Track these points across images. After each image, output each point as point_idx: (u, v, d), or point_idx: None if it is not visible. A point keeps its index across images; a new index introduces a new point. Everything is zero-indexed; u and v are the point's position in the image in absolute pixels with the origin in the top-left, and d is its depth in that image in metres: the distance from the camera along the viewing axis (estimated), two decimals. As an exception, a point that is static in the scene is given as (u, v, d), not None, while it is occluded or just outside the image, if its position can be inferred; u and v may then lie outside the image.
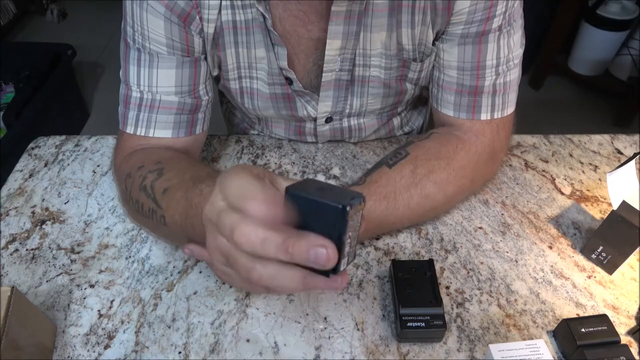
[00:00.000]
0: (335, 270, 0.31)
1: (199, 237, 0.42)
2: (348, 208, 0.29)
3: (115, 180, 0.59)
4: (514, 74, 0.60)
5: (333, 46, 0.57)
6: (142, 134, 0.58)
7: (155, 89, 0.57)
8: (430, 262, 0.53)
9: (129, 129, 0.58)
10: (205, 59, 0.60)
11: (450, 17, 0.56)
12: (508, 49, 0.57)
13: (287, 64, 0.59)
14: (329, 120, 0.69)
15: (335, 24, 0.54)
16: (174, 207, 0.46)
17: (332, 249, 0.29)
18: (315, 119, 0.68)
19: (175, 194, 0.46)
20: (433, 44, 0.59)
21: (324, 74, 0.60)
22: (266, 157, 0.73)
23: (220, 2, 0.55)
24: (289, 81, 0.62)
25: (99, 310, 0.54)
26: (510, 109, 0.61)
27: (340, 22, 0.54)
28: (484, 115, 0.60)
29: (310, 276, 0.32)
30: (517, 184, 0.69)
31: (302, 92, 0.64)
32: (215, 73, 0.63)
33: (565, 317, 0.51)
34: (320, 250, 0.29)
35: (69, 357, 0.50)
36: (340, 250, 0.30)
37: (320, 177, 0.69)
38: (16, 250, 0.60)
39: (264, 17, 0.55)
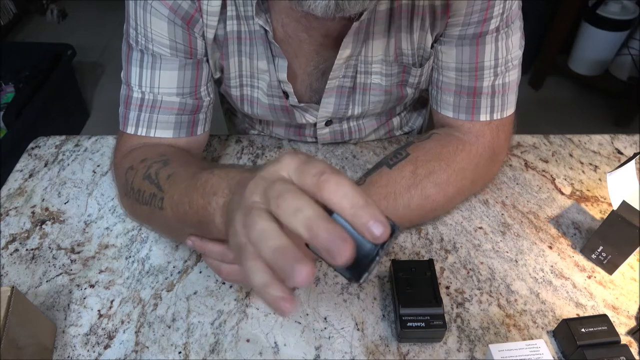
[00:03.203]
0: (358, 278, 0.30)
1: (190, 215, 0.42)
2: (397, 229, 0.29)
3: (115, 176, 0.59)
4: (513, 75, 0.60)
5: (343, 55, 0.57)
6: (143, 134, 0.58)
7: (157, 89, 0.57)
8: (430, 262, 0.53)
9: (130, 130, 0.58)
10: (208, 61, 0.60)
11: (448, 19, 0.56)
12: (506, 50, 0.57)
13: (286, 76, 0.59)
14: (328, 123, 0.69)
15: (348, 35, 0.55)
16: (175, 188, 0.46)
17: (351, 246, 0.26)
18: (315, 124, 0.68)
19: (181, 175, 0.47)
20: (432, 47, 0.59)
21: (329, 81, 0.60)
22: (266, 157, 0.73)
23: (224, 10, 0.55)
24: (286, 95, 0.62)
25: (99, 310, 0.54)
26: (510, 110, 0.61)
27: (351, 34, 0.54)
28: (483, 117, 0.60)
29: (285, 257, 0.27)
30: (517, 184, 0.69)
31: (298, 106, 0.64)
32: (217, 76, 0.63)
33: (565, 317, 0.51)
34: (339, 241, 0.26)
35: (69, 357, 0.50)
36: (370, 263, 0.29)
37: (320, 177, 0.69)
38: (16, 250, 0.60)
39: (265, 30, 0.55)
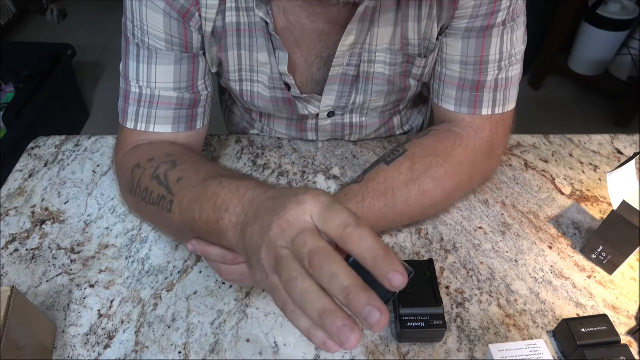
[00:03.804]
0: None
1: (199, 223, 0.43)
2: (411, 275, 0.31)
3: (118, 172, 0.59)
4: (516, 70, 0.60)
5: (346, 42, 0.57)
6: (143, 129, 0.58)
7: (154, 84, 0.57)
8: (430, 262, 0.53)
9: (129, 124, 0.58)
10: (204, 54, 0.60)
11: (455, 11, 0.56)
12: (511, 44, 0.57)
13: (287, 69, 0.59)
14: (331, 114, 0.69)
15: (352, 22, 0.55)
16: (185, 192, 0.47)
17: (386, 317, 0.29)
18: (317, 115, 0.68)
19: (191, 180, 0.47)
20: (437, 38, 0.59)
21: (332, 68, 0.60)
22: (266, 157, 0.73)
23: (223, 2, 0.55)
24: (288, 87, 0.62)
25: (99, 310, 0.54)
26: (511, 105, 0.61)
27: (355, 20, 0.54)
28: (485, 111, 0.60)
29: (331, 314, 0.29)
30: (517, 184, 0.69)
31: (300, 98, 0.64)
32: (214, 70, 0.63)
33: (565, 317, 0.51)
34: (376, 312, 0.28)
35: (69, 357, 0.50)
36: (386, 304, 0.31)
37: (321, 178, 0.69)
38: (16, 250, 0.60)
39: (266, 22, 0.55)
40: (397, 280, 0.29)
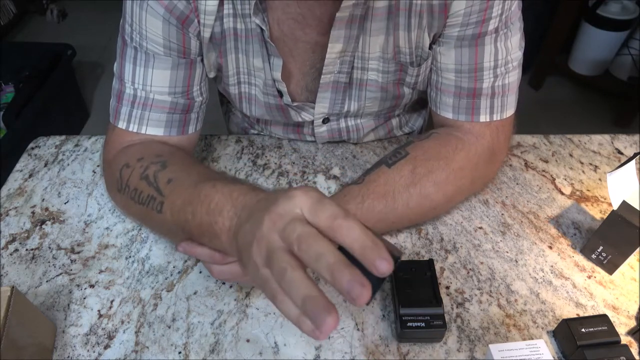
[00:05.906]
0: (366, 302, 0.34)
1: (191, 225, 0.44)
2: (398, 260, 0.33)
3: (106, 170, 0.60)
4: (513, 77, 0.60)
5: (334, 50, 0.57)
6: (135, 130, 0.58)
7: (149, 87, 0.57)
8: (430, 262, 0.53)
9: (121, 124, 0.58)
10: (202, 60, 0.60)
11: (446, 20, 0.56)
12: (506, 51, 0.57)
13: (280, 75, 0.60)
14: (326, 120, 0.69)
15: (337, 29, 0.55)
16: (177, 194, 0.47)
17: (368, 291, 0.30)
18: (312, 122, 0.68)
19: (183, 182, 0.48)
20: (430, 47, 0.59)
21: (322, 76, 0.60)
22: (266, 157, 0.73)
23: (221, 8, 0.55)
24: (281, 94, 0.62)
25: (99, 310, 0.54)
26: (510, 111, 0.61)
27: (342, 27, 0.55)
28: (483, 117, 0.60)
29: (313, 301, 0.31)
30: (517, 184, 0.69)
31: (292, 106, 0.64)
32: (211, 75, 0.63)
33: (565, 317, 0.51)
34: (357, 286, 0.30)
35: (69, 357, 0.50)
36: (375, 290, 0.33)
37: (321, 178, 0.69)
38: (16, 250, 0.60)
39: (262, 29, 0.56)
40: (383, 266, 0.30)
